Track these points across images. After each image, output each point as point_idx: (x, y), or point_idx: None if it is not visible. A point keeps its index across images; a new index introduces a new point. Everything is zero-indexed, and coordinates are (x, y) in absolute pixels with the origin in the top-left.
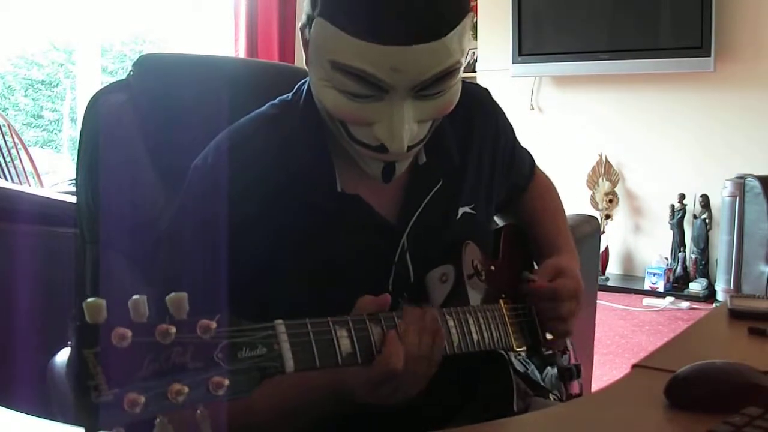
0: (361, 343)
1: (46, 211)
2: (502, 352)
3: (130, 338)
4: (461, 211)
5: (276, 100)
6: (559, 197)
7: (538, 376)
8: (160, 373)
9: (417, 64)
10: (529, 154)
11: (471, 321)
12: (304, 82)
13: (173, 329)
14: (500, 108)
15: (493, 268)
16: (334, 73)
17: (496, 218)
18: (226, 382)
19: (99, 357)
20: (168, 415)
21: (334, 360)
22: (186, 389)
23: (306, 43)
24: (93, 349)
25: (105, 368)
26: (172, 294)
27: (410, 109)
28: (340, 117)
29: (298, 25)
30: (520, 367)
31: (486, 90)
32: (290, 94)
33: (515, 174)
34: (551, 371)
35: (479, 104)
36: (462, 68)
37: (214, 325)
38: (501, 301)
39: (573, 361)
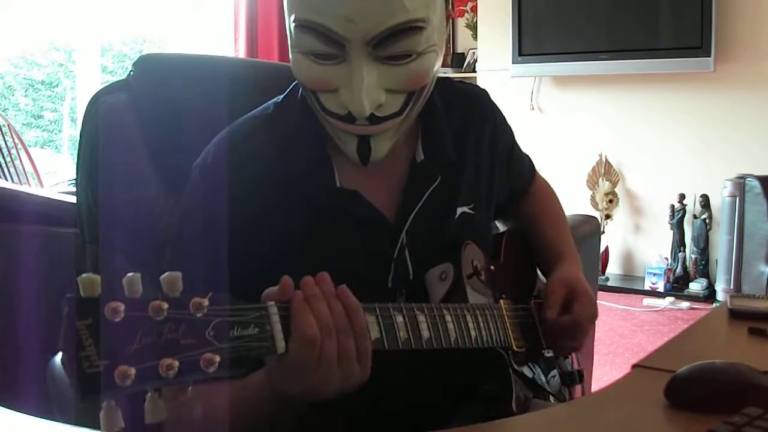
0: None
1: (47, 211)
2: (502, 352)
3: (123, 312)
4: (459, 210)
5: (273, 99)
6: (559, 201)
7: (544, 380)
8: (151, 348)
9: (370, 13)
10: (529, 159)
11: (469, 318)
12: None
13: (166, 305)
14: (499, 110)
15: (493, 268)
16: (298, 33)
17: (497, 223)
18: (217, 359)
19: (91, 329)
20: (159, 391)
21: None
22: (177, 364)
23: None
24: (85, 321)
25: (97, 340)
26: (166, 273)
27: (373, 72)
28: (308, 85)
29: None
30: (528, 372)
31: (485, 91)
32: (285, 94)
33: (515, 177)
34: (556, 374)
35: (477, 105)
36: (429, 32)
37: (206, 302)
38: (501, 302)
39: (576, 366)
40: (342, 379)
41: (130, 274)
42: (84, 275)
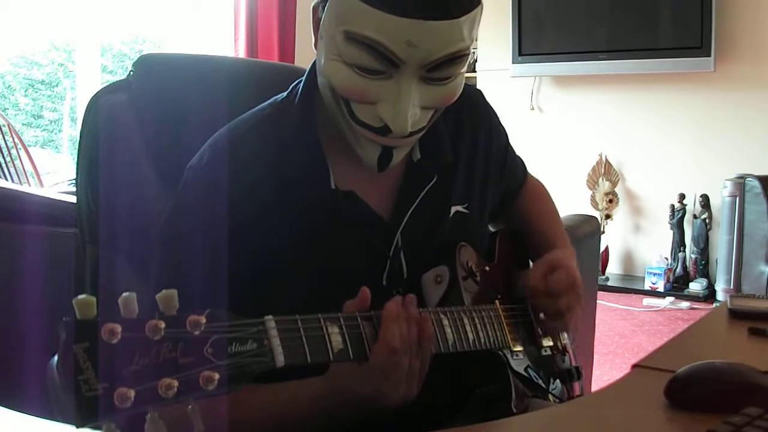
0: (352, 339)
1: (48, 211)
2: (500, 353)
3: (120, 334)
4: (453, 209)
5: (270, 100)
6: (552, 200)
7: (542, 379)
8: (150, 368)
9: (432, 40)
10: (522, 160)
11: (466, 320)
12: (299, 81)
13: (163, 324)
14: (493, 110)
15: (488, 269)
16: (347, 45)
17: (490, 225)
18: (217, 376)
19: (89, 352)
20: (159, 410)
21: (325, 356)
22: (176, 383)
23: (317, 23)
24: (83, 344)
25: (95, 363)
26: (163, 291)
27: (417, 91)
28: (345, 94)
29: (311, 5)
30: (526, 372)
31: (479, 91)
32: (284, 94)
33: (508, 177)
34: (558, 384)
35: (471, 105)
36: (468, 59)
37: (203, 320)
38: (497, 302)
39: (573, 364)
40: (406, 391)
41: (125, 293)
42: (79, 297)
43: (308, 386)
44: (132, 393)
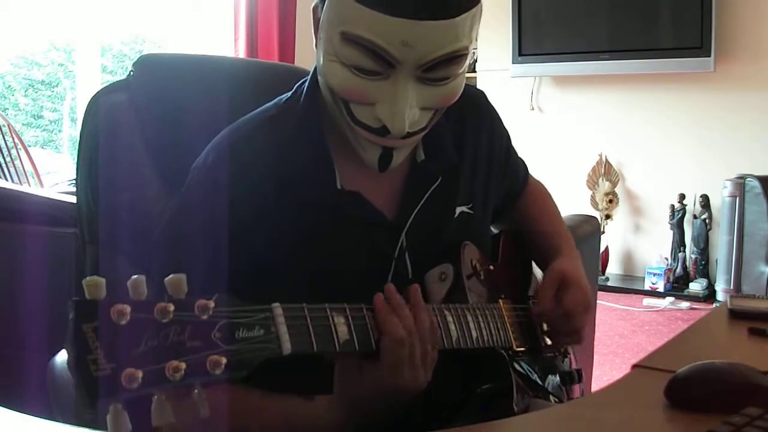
0: (358, 330)
1: (49, 211)
2: (502, 352)
3: (129, 314)
4: (458, 210)
5: (275, 100)
6: (553, 200)
7: (543, 379)
8: (158, 350)
9: (427, 40)
10: (523, 161)
11: (470, 318)
12: (304, 81)
13: (172, 307)
14: (495, 111)
15: (492, 268)
16: (344, 46)
17: (492, 227)
18: (224, 360)
19: (98, 332)
20: (165, 393)
21: (331, 345)
22: (183, 366)
23: (317, 23)
24: (92, 324)
25: (103, 343)
26: (171, 275)
27: (414, 92)
28: (343, 94)
29: (311, 5)
30: (527, 372)
31: (482, 92)
32: (289, 94)
33: (511, 179)
34: (553, 379)
35: (474, 105)
36: (468, 59)
37: (212, 304)
38: (500, 302)
39: (574, 366)
40: (423, 376)
41: (135, 276)
42: (89, 278)
43: (318, 407)
44: (140, 374)
